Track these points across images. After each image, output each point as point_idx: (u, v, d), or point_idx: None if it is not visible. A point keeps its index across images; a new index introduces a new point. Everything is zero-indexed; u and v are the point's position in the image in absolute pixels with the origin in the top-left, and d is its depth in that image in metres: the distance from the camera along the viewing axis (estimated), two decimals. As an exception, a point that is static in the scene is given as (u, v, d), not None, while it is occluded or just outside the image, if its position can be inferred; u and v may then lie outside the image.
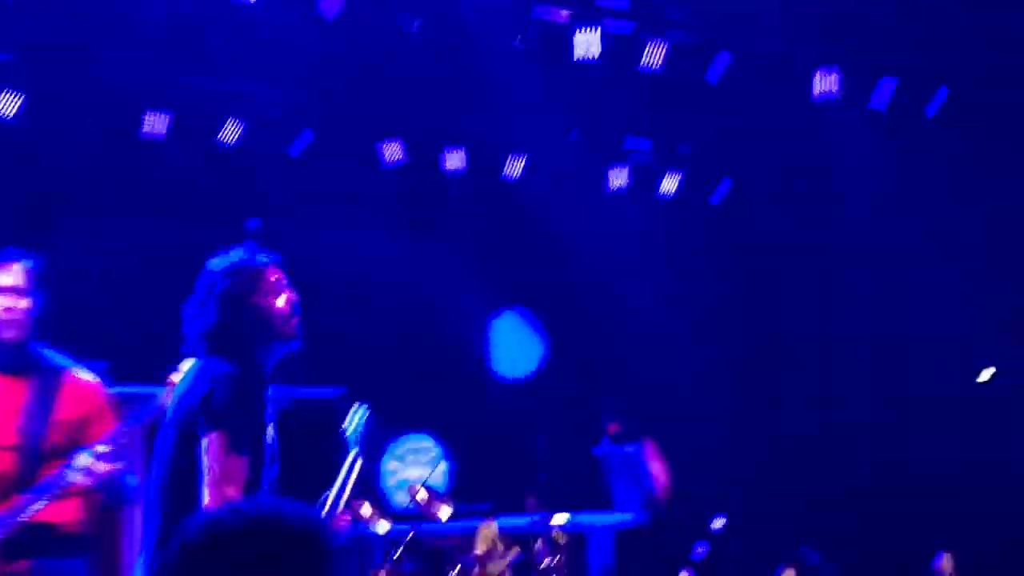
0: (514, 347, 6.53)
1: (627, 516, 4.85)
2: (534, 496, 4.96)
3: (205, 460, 3.71)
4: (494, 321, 6.60)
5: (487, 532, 4.94)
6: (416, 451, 6.55)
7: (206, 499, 3.72)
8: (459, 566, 4.11)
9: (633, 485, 4.53)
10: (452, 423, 6.50)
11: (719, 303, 7.12)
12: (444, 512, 4.17)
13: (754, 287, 7.20)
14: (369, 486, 4.49)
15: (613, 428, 4.39)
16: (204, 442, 3.75)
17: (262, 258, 4.05)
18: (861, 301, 6.90)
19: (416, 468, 6.34)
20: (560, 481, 5.81)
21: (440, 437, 6.60)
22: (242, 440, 3.77)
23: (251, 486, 3.82)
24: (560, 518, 4.37)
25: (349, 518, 3.97)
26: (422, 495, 4.12)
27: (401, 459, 6.52)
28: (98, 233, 5.70)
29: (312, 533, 1.12)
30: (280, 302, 3.98)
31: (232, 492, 3.70)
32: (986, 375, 7.18)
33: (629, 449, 5.14)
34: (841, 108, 6.17)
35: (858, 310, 6.92)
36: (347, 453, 4.03)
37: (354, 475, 4.00)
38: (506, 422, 6.39)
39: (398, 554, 4.03)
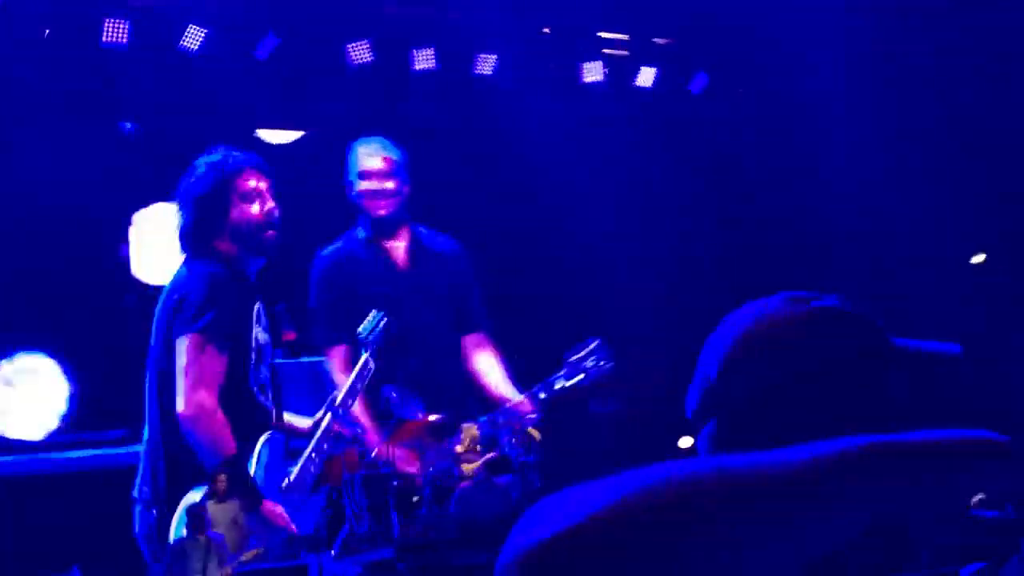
0: (159, 247, 5.26)
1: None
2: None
3: (179, 362, 3.72)
4: (135, 216, 5.53)
5: (469, 433, 4.96)
6: (28, 372, 5.35)
7: (179, 403, 3.72)
8: (435, 465, 4.15)
9: (311, 398, 4.21)
10: (77, 337, 5.41)
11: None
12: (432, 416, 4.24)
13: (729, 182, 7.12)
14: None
15: (289, 336, 4.04)
16: (177, 344, 3.76)
17: (241, 161, 4.00)
18: (844, 195, 6.83)
19: (29, 393, 5.30)
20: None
21: (60, 355, 5.43)
22: (216, 343, 3.76)
23: (232, 388, 3.83)
24: (533, 415, 4.40)
25: (348, 428, 3.98)
26: (351, 390, 4.15)
27: (8, 383, 5.28)
28: (64, 141, 5.60)
29: None
30: (253, 209, 3.94)
31: (204, 395, 3.72)
32: (977, 259, 7.19)
33: (306, 360, 4.64)
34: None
35: (841, 204, 6.84)
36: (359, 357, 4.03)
37: (364, 379, 4.00)
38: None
39: (373, 455, 4.07)
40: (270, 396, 4.03)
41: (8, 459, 4.90)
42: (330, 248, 4.68)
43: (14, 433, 5.18)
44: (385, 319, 4.12)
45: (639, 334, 6.28)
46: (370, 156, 4.64)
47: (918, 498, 0.80)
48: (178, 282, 3.94)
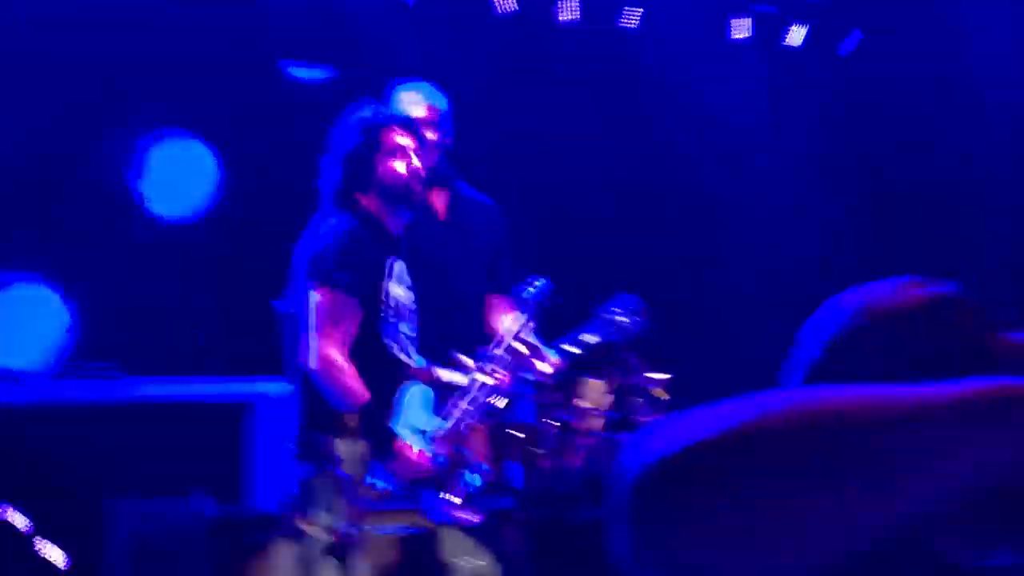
0: (176, 180, 5.40)
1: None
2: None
3: (310, 316, 3.78)
4: (152, 150, 5.48)
5: (594, 387, 4.95)
6: (27, 302, 5.25)
7: (309, 358, 3.78)
8: (561, 419, 4.15)
9: None
10: (80, 268, 5.27)
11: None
12: (545, 366, 4.21)
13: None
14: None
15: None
16: (310, 298, 3.82)
17: (388, 117, 4.03)
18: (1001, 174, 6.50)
19: (29, 323, 5.21)
20: (228, 341, 5.05)
21: (61, 284, 5.28)
22: (347, 298, 3.81)
23: (364, 343, 3.88)
24: (661, 375, 4.35)
25: (508, 375, 4.02)
26: (520, 347, 4.12)
27: (8, 313, 5.22)
28: (252, 89, 5.70)
29: None
30: (399, 166, 3.96)
31: (333, 350, 3.77)
32: None
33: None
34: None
35: (997, 184, 6.52)
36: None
37: (520, 337, 4.03)
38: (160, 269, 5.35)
39: (504, 404, 4.08)
40: (411, 352, 4.06)
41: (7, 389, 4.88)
42: None
43: (13, 363, 5.16)
44: (550, 287, 4.13)
45: (780, 308, 6.14)
46: (414, 104, 4.33)
47: None
48: (316, 235, 3.98)
